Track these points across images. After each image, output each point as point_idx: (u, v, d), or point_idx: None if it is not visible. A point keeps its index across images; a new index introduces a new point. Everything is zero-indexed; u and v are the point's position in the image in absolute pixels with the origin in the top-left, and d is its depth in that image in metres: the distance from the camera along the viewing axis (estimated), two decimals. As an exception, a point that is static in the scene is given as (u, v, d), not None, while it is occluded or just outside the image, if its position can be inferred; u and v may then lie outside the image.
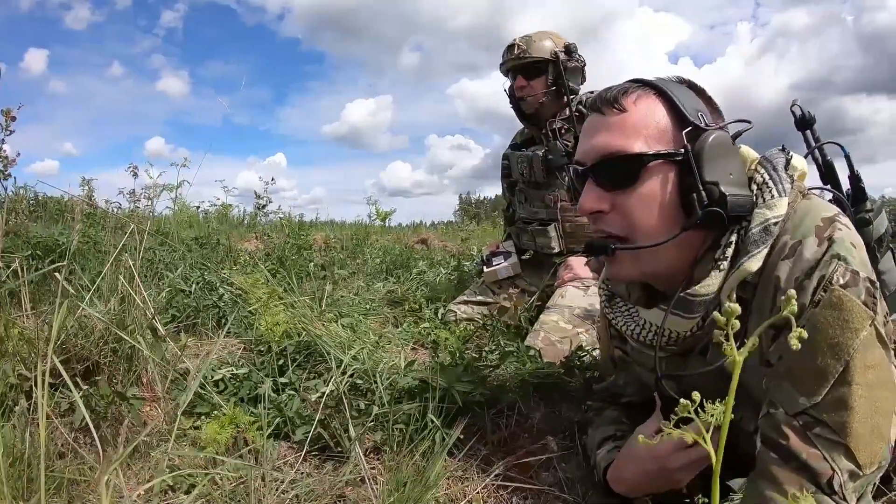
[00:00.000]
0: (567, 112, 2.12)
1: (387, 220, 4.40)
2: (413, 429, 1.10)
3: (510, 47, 2.20)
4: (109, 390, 0.92)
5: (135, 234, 1.36)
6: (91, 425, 0.78)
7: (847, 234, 0.76)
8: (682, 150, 0.81)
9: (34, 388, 0.96)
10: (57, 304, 0.87)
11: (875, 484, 0.76)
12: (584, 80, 2.20)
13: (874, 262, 0.90)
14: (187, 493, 0.91)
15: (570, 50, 2.16)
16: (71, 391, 1.07)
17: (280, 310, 1.35)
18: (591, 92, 2.13)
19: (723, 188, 0.79)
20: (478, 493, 1.04)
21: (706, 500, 0.89)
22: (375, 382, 1.25)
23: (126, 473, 0.99)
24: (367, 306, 2.44)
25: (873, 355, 0.71)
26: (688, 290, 0.83)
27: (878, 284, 0.77)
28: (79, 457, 0.99)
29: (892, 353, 0.75)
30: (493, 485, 1.06)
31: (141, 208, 2.99)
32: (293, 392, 1.31)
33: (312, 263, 2.45)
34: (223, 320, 1.83)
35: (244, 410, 1.17)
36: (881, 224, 0.97)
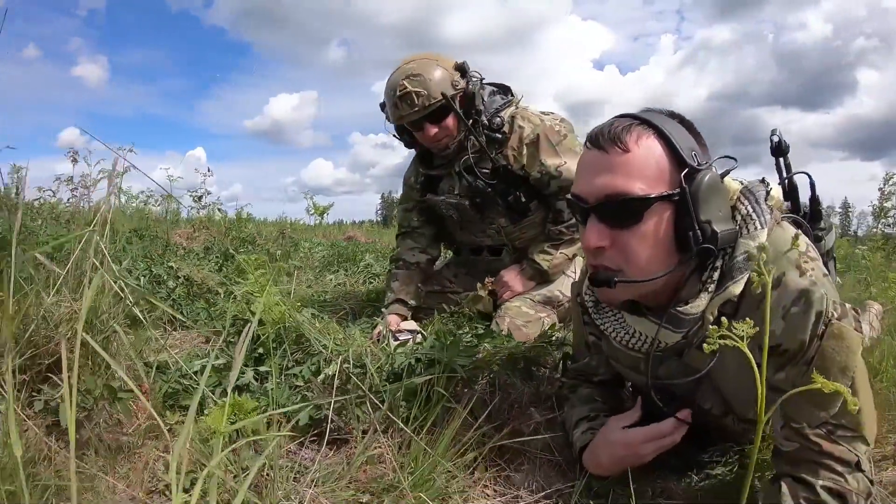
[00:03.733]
0: (476, 143, 1.86)
1: (324, 216, 4.30)
2: (416, 404, 1.10)
3: (403, 97, 1.78)
4: (96, 384, 0.83)
5: (96, 225, 1.25)
6: (71, 428, 0.70)
7: (817, 266, 0.88)
8: (680, 191, 0.86)
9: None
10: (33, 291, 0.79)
11: None
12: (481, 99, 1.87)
13: None
14: (187, 491, 0.85)
15: (464, 70, 1.84)
16: (42, 389, 0.97)
17: (276, 290, 1.30)
18: (507, 97, 1.96)
19: (714, 226, 0.87)
20: (482, 459, 1.08)
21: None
22: (365, 365, 1.24)
23: (113, 476, 0.92)
24: (322, 297, 2.39)
25: (862, 362, 0.87)
26: (678, 308, 0.90)
27: (859, 309, 0.93)
28: (56, 462, 0.90)
29: None
30: (491, 452, 1.11)
31: (77, 197, 2.73)
32: (278, 381, 1.26)
33: (267, 253, 2.35)
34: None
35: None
36: (830, 239, 1.18)
